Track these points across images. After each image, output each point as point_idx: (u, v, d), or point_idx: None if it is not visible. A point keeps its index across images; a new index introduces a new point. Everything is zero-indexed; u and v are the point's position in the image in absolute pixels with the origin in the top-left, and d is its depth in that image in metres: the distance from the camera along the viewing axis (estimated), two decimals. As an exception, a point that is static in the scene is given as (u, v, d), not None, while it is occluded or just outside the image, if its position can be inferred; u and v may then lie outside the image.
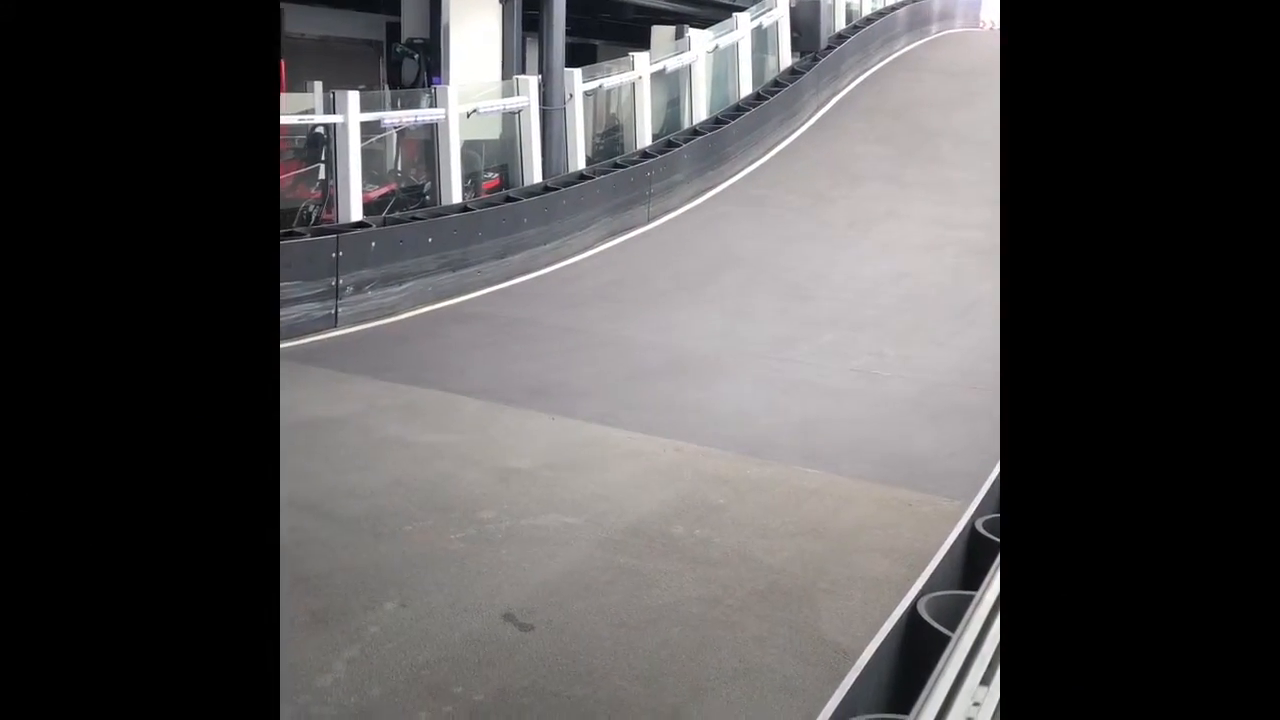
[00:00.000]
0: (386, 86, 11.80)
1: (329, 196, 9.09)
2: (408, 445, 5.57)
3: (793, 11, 14.85)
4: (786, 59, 14.87)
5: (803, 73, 14.60)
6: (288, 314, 7.48)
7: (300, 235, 8.22)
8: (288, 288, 7.51)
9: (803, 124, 14.45)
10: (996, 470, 3.82)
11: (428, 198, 9.92)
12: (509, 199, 9.90)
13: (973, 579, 2.74)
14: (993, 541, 2.93)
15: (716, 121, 12.93)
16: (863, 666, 2.31)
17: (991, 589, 2.19)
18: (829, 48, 15.42)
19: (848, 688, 2.13)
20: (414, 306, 8.43)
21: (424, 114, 9.67)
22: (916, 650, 2.52)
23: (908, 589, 2.83)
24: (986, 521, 3.26)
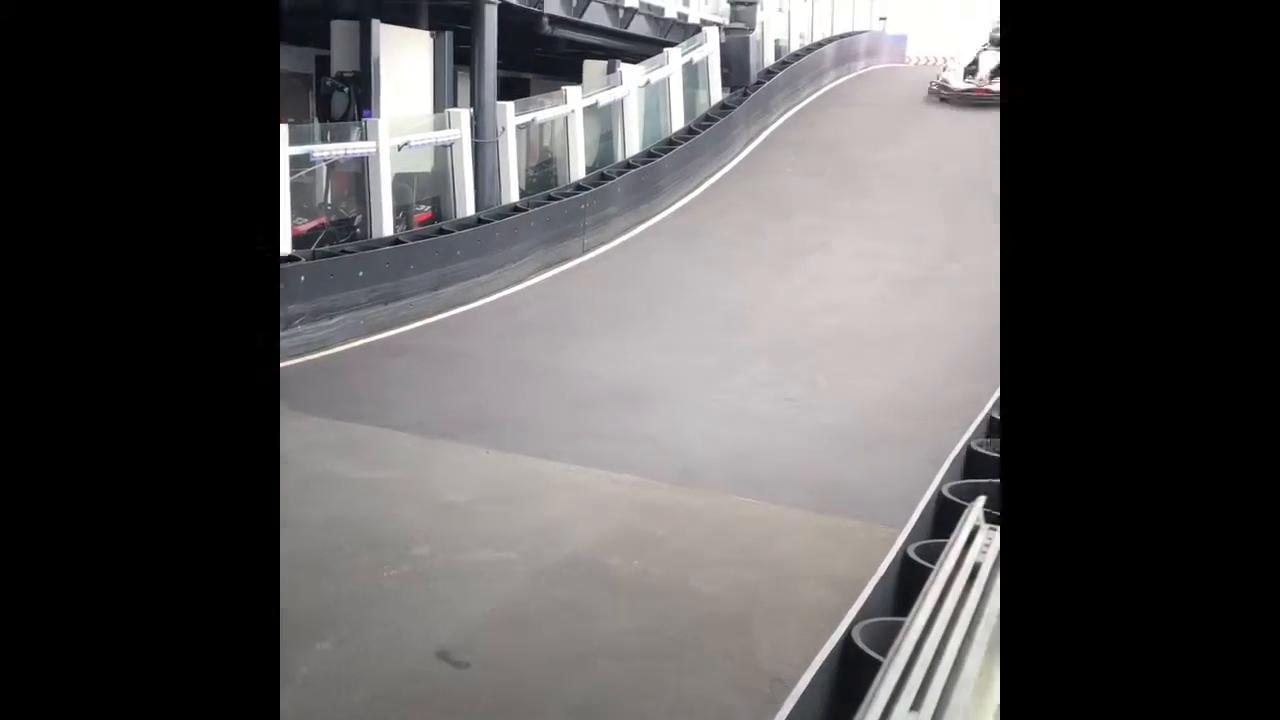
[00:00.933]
0: (316, 120, 11.71)
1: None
2: (342, 481, 5.50)
3: (723, 47, 15.08)
4: (717, 94, 15.08)
5: (733, 107, 14.81)
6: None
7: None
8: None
9: (734, 158, 14.64)
10: (928, 497, 3.89)
11: (359, 231, 9.85)
12: (442, 231, 9.86)
13: (906, 605, 2.78)
14: (924, 567, 2.98)
15: (649, 155, 13.05)
16: (799, 696, 2.33)
17: (921, 613, 2.23)
18: (759, 83, 15.67)
19: (784, 718, 2.14)
20: (346, 340, 8.34)
21: (354, 147, 9.62)
22: (851, 677, 2.54)
23: (842, 616, 2.87)
24: (918, 548, 3.31)
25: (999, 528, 2.70)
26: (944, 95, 16.83)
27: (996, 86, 15.77)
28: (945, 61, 18.58)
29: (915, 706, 1.78)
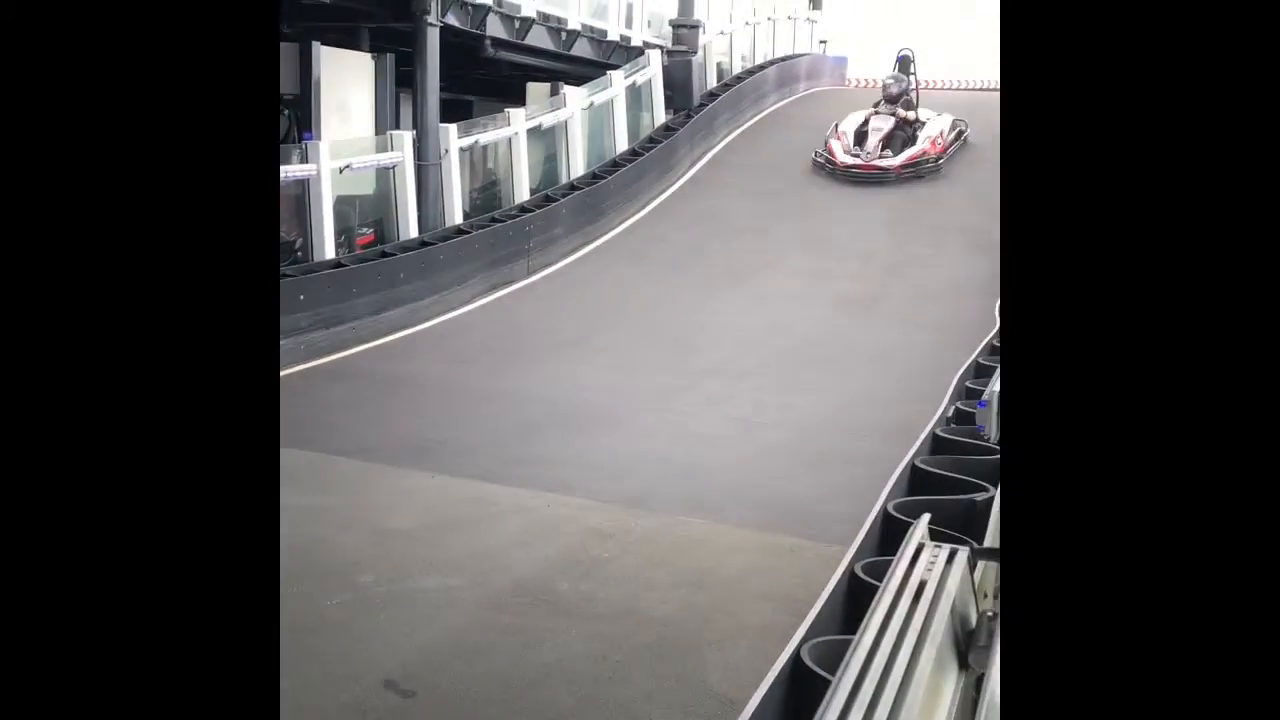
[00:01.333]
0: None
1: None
2: (284, 508, 5.37)
3: (666, 70, 15.18)
4: (661, 116, 15.17)
5: (677, 129, 14.90)
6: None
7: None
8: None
9: (678, 179, 14.72)
10: (874, 514, 3.91)
11: (299, 254, 9.71)
12: (385, 254, 9.77)
13: (854, 623, 2.78)
14: (871, 585, 2.98)
15: (594, 177, 13.07)
16: (749, 717, 2.31)
17: (869, 631, 2.23)
18: (702, 105, 15.78)
19: (734, 738, 2.12)
20: (287, 365, 8.19)
21: (295, 170, 9.50)
22: (801, 697, 2.53)
23: (791, 636, 2.86)
24: (865, 565, 3.32)
25: (951, 550, 2.71)
26: (830, 169, 14.32)
27: (890, 159, 14.24)
28: (835, 127, 15.03)
29: (864, 725, 1.78)
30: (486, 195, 12.44)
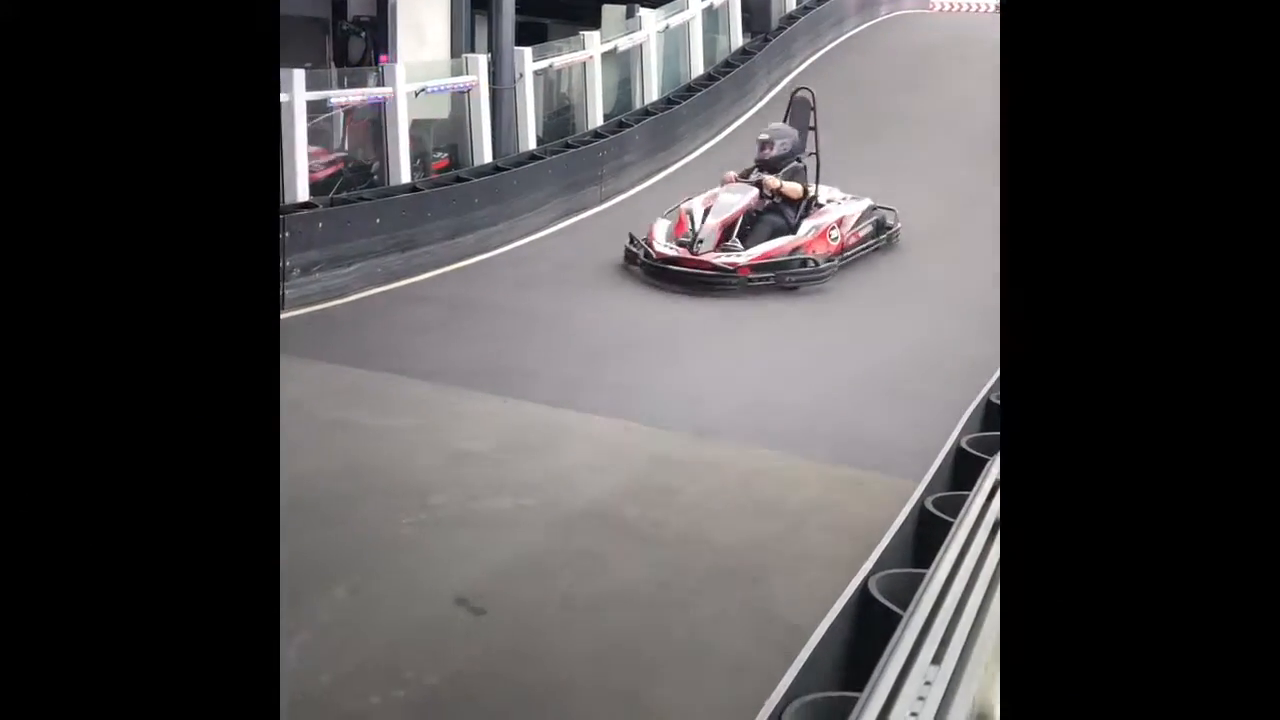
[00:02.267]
0: (333, 65, 11.60)
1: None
2: (357, 429, 5.50)
3: (744, -7, 14.83)
4: (738, 39, 14.85)
5: (754, 53, 14.58)
6: (233, 296, 7.33)
7: (245, 216, 8.06)
8: (233, 269, 7.37)
9: (755, 104, 14.45)
10: (947, 447, 3.86)
11: (375, 178, 9.78)
12: (459, 179, 9.78)
13: (924, 556, 2.76)
14: (943, 520, 2.95)
15: (668, 102, 12.88)
16: (814, 645, 2.31)
17: (943, 566, 2.21)
18: (780, 28, 15.41)
19: (800, 666, 2.13)
20: (363, 288, 8.31)
21: (371, 92, 9.52)
22: (868, 629, 2.53)
23: (859, 567, 2.85)
24: (936, 500, 3.28)
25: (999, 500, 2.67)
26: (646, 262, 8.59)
27: (737, 253, 8.36)
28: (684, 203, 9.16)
29: (937, 660, 1.76)
30: (561, 120, 12.36)
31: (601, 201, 11.25)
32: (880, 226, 9.56)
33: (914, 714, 1.57)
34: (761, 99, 14.61)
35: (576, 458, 5.24)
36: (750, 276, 8.27)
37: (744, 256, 8.40)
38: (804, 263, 8.47)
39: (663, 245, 8.63)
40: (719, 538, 4.40)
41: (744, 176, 9.25)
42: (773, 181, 9.01)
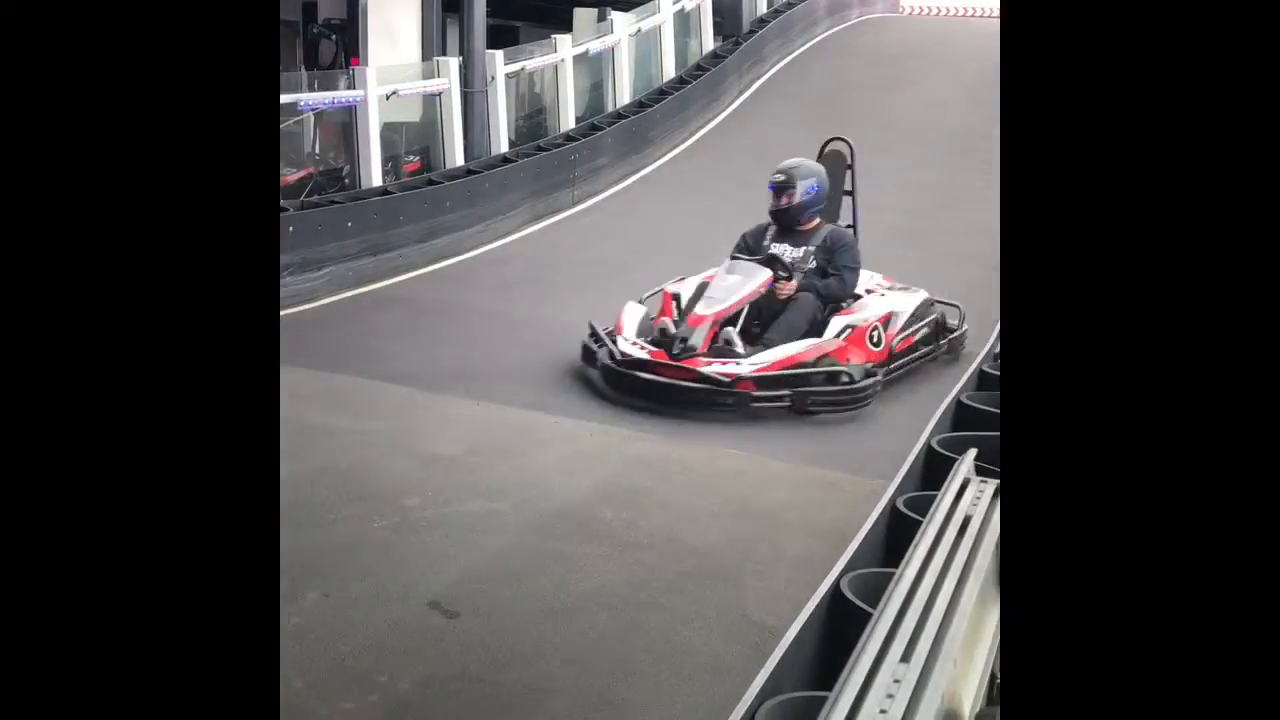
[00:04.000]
0: (303, 68, 11.53)
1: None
2: (330, 433, 5.48)
3: (715, -3, 14.88)
4: (710, 43, 14.90)
5: (725, 57, 14.64)
6: (203, 300, 7.28)
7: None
8: (202, 273, 7.32)
9: (726, 107, 14.50)
10: (917, 448, 3.89)
11: (347, 181, 9.74)
12: (431, 182, 9.76)
13: (894, 556, 2.79)
14: (913, 519, 2.98)
15: (640, 105, 12.91)
16: (787, 645, 2.33)
17: (912, 565, 2.23)
18: (751, 31, 15.48)
19: (773, 666, 2.15)
20: (334, 292, 8.27)
21: (342, 95, 9.48)
22: (841, 628, 2.55)
23: (831, 567, 2.87)
24: (907, 500, 3.32)
25: (996, 486, 2.69)
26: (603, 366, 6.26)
27: (736, 359, 5.91)
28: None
29: (905, 658, 1.78)
30: (532, 123, 12.35)
31: (574, 204, 11.26)
32: (939, 329, 6.75)
33: (883, 711, 1.58)
34: (733, 102, 14.67)
35: (549, 462, 5.24)
36: (755, 394, 5.77)
37: (746, 365, 5.84)
38: (833, 377, 5.86)
39: (630, 343, 6.07)
40: (693, 539, 4.42)
41: (753, 241, 6.67)
42: (787, 288, 6.26)
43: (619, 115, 12.50)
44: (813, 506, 4.82)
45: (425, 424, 5.71)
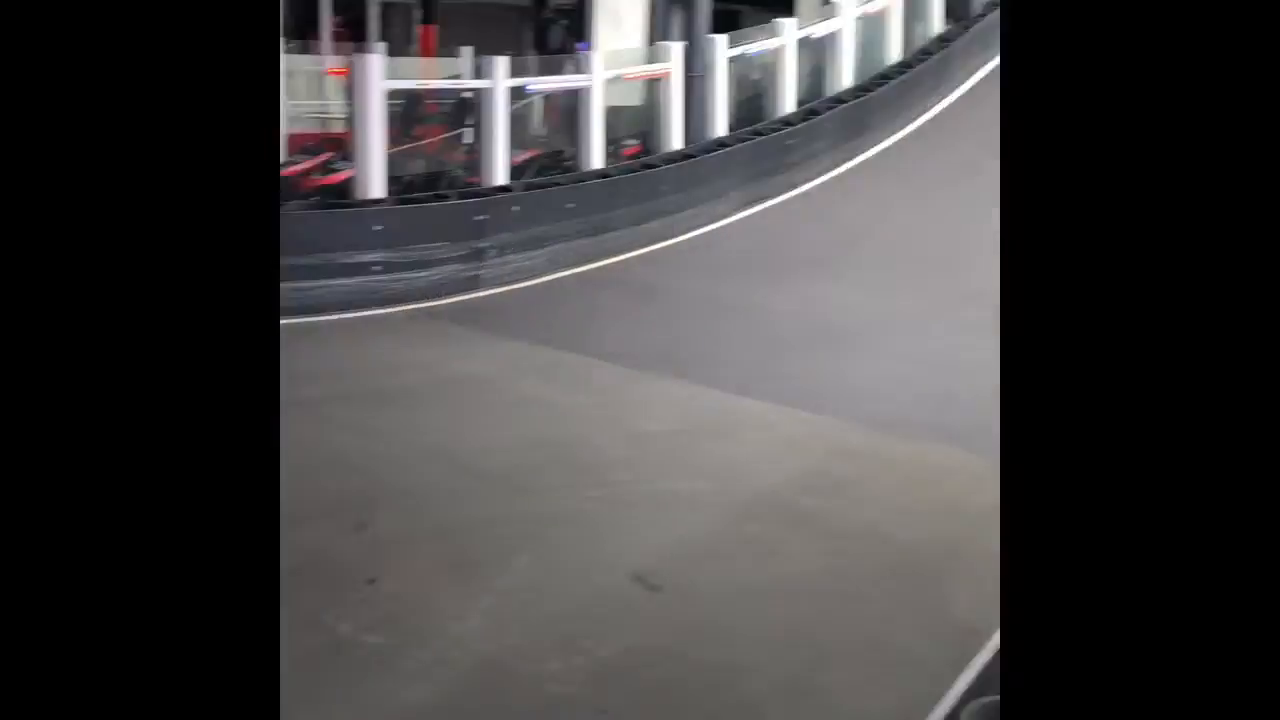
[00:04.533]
0: (534, 52, 11.95)
1: (475, 160, 9.29)
2: (545, 405, 5.71)
3: (946, -24, 14.37)
4: (938, 25, 14.41)
5: (953, 40, 14.13)
6: (433, 274, 7.71)
7: (446, 198, 8.45)
8: (434, 249, 7.74)
9: (951, 94, 14.01)
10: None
11: (569, 163, 10.04)
12: (648, 166, 9.93)
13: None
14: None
15: (861, 90, 12.65)
16: (995, 650, 2.29)
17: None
18: (982, 14, 14.86)
19: (980, 667, 2.11)
20: (554, 270, 8.56)
21: (570, 81, 9.77)
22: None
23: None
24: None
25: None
26: None
27: None
28: None
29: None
30: (750, 107, 12.33)
31: (789, 189, 11.18)
32: None
33: None
34: (958, 88, 14.16)
35: (753, 446, 5.28)
36: None
37: None
38: None
39: None
40: (898, 534, 4.36)
41: None
42: None
43: (838, 100, 12.30)
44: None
45: (635, 402, 5.86)
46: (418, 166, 9.21)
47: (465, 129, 9.49)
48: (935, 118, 13.53)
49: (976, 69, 14.73)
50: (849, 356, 6.79)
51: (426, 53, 11.87)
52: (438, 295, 7.65)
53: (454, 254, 7.96)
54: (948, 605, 3.81)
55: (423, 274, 7.59)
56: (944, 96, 13.97)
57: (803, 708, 3.25)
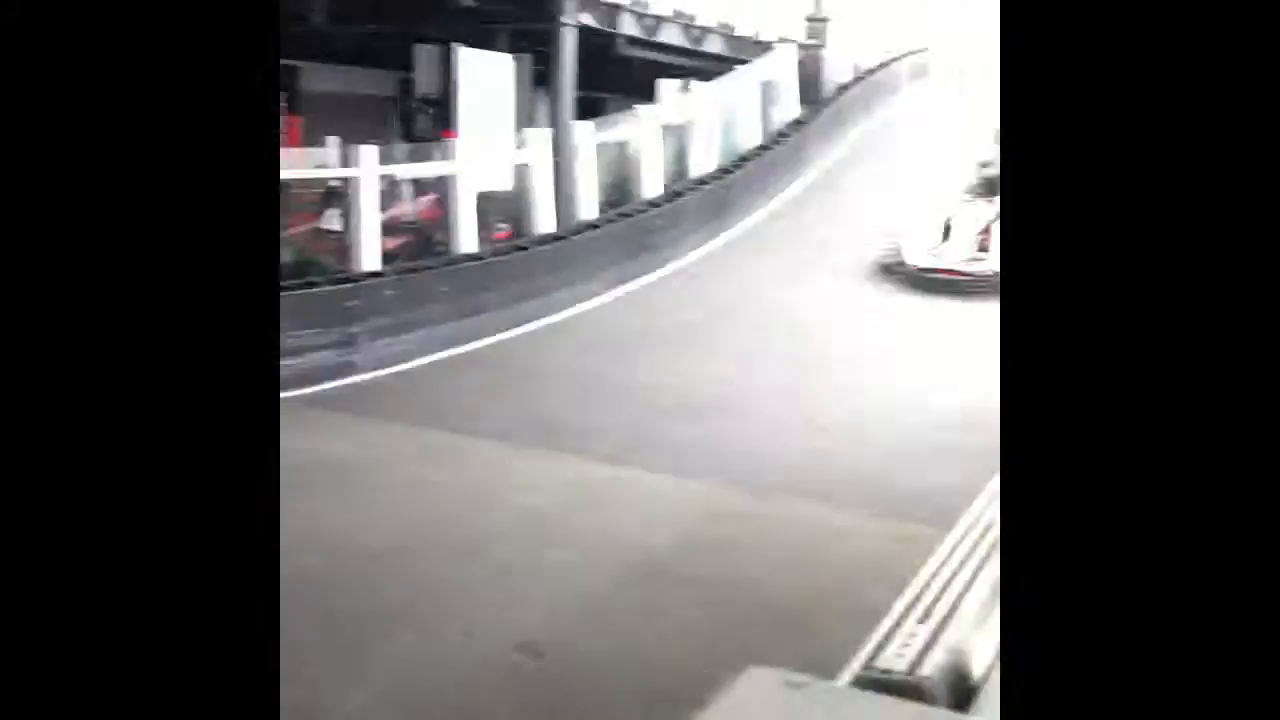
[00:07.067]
0: (400, 140, 12.10)
1: (345, 247, 9.32)
2: (424, 486, 5.73)
3: (800, 64, 15.18)
4: (793, 110, 15.16)
5: (807, 123, 14.89)
6: (306, 361, 7.67)
7: (318, 285, 8.44)
8: (306, 335, 7.71)
9: (808, 173, 14.70)
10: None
11: (440, 248, 10.15)
12: (520, 248, 10.12)
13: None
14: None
15: (723, 171, 13.19)
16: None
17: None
18: (833, 98, 15.72)
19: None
20: (429, 353, 8.61)
21: (437, 168, 9.94)
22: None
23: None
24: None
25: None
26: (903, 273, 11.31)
27: (981, 263, 10.98)
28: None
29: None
30: (618, 191, 12.72)
31: (659, 267, 11.53)
32: None
33: (900, 655, 1.69)
34: (814, 168, 14.87)
35: (634, 512, 5.41)
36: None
37: (986, 266, 10.75)
38: None
39: (916, 258, 11.18)
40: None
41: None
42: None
43: (701, 182, 12.79)
44: (890, 558, 4.88)
45: (514, 478, 5.93)
46: (286, 255, 9.20)
47: (329, 212, 9.54)
48: (794, 198, 14.17)
49: (830, 151, 15.52)
50: (719, 423, 7.01)
51: (292, 143, 11.90)
52: (310, 382, 7.60)
53: (326, 340, 7.95)
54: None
55: (295, 361, 7.55)
56: (799, 176, 14.65)
57: None
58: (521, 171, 10.93)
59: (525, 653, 3.90)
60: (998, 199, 9.67)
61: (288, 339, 7.51)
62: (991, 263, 10.76)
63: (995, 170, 10.52)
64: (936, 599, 1.94)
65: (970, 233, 11.51)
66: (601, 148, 11.92)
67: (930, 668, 1.67)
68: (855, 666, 1.67)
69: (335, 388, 7.75)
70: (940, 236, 11.65)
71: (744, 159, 13.63)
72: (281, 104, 12.33)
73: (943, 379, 7.92)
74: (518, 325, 9.52)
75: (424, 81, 12.62)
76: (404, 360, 8.40)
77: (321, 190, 9.94)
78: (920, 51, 19.49)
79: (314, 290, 8.23)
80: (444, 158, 9.99)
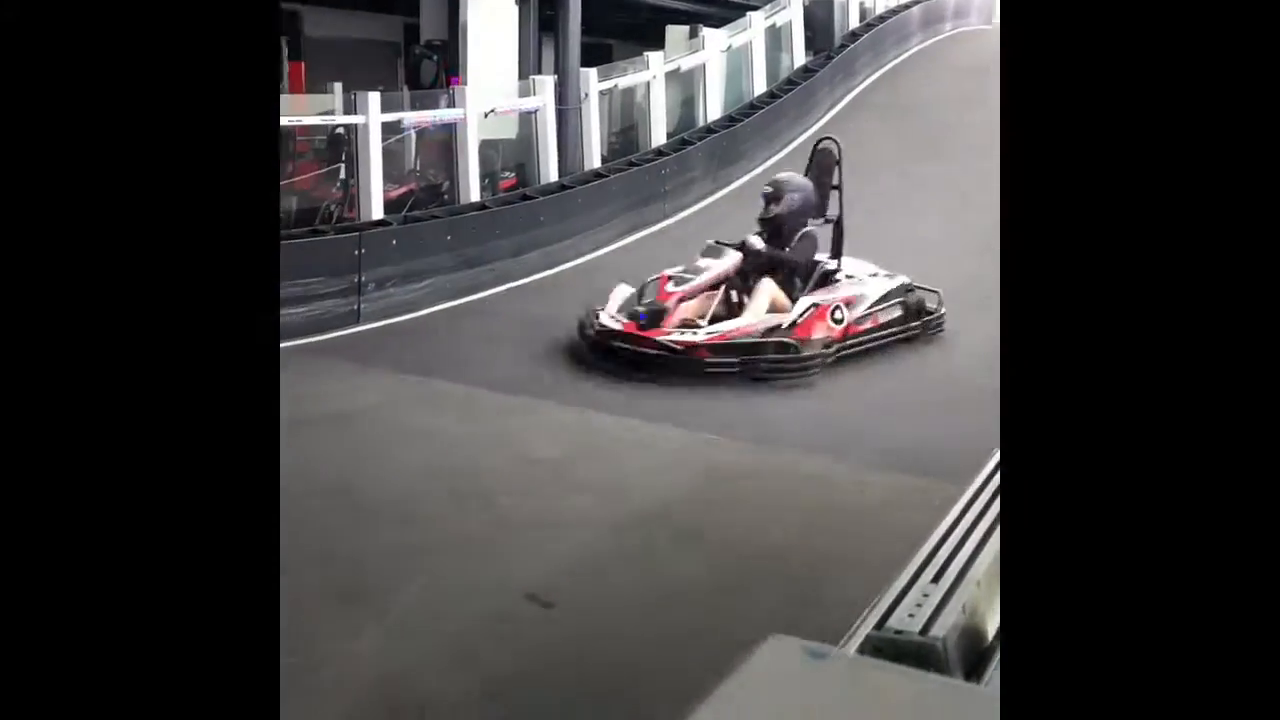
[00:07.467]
0: (406, 87, 11.98)
1: (350, 196, 9.28)
2: (430, 435, 5.76)
3: (806, 10, 14.97)
4: (801, 57, 14.99)
5: (816, 71, 14.72)
6: (312, 310, 7.68)
7: (323, 234, 8.42)
8: (312, 284, 7.71)
9: (816, 122, 14.56)
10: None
11: (446, 196, 10.10)
12: (526, 197, 10.07)
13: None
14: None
15: (730, 120, 13.07)
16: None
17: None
18: (842, 46, 15.52)
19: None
20: (434, 302, 8.60)
21: (443, 114, 9.85)
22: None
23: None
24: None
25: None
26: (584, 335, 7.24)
27: (685, 334, 6.84)
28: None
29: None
30: (624, 139, 12.61)
31: (665, 217, 11.47)
32: (913, 311, 7.61)
33: (911, 615, 1.74)
34: (824, 116, 14.73)
35: (639, 463, 5.44)
36: (708, 360, 6.65)
37: (703, 334, 6.77)
38: (783, 347, 6.74)
39: (610, 316, 7.01)
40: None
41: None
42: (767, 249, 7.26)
43: (709, 130, 12.68)
44: (903, 508, 4.91)
45: (519, 428, 5.96)
46: (291, 204, 9.16)
47: (338, 165, 9.48)
48: (801, 146, 14.02)
49: (840, 98, 15.36)
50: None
51: (295, 90, 11.79)
52: (316, 331, 7.61)
53: (332, 289, 7.94)
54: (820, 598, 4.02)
55: (302, 309, 7.56)
56: (809, 125, 14.51)
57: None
58: (527, 119, 10.83)
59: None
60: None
61: (296, 287, 7.51)
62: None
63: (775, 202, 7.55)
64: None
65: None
66: (607, 95, 11.81)
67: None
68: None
69: (342, 336, 7.76)
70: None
71: (752, 106, 13.49)
72: (284, 50, 12.22)
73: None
74: (524, 276, 9.50)
75: (430, 27, 12.46)
76: (412, 310, 8.39)
77: (326, 137, 9.87)
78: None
79: (319, 239, 8.22)
80: (450, 105, 9.89)
